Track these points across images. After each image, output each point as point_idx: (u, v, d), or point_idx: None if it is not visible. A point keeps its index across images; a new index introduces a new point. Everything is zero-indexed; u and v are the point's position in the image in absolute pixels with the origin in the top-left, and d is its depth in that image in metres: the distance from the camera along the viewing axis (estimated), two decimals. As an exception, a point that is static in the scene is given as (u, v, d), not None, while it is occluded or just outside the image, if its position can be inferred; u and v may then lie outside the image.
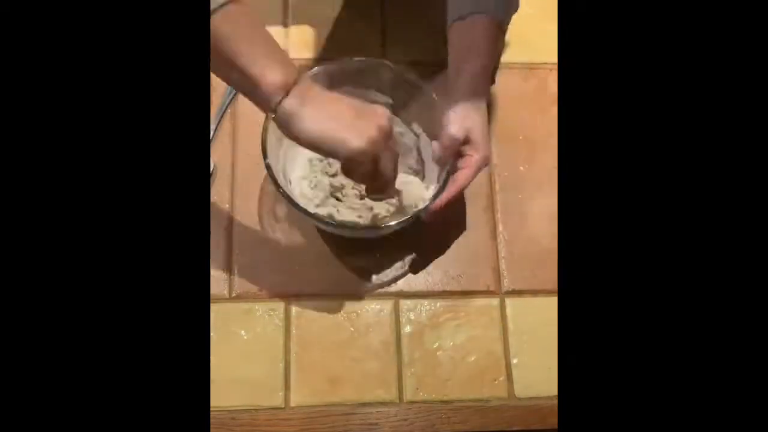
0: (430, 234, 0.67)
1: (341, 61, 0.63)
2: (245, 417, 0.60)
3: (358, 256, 0.66)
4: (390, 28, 0.75)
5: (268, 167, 0.57)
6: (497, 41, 0.62)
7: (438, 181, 0.60)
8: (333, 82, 0.60)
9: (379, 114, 0.50)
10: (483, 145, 0.59)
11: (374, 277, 0.65)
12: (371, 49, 0.74)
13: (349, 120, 0.48)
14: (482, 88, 0.61)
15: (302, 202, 0.60)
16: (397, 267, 0.66)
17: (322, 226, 0.64)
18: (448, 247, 0.67)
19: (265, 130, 0.57)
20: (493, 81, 0.63)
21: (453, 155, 0.59)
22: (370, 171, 0.51)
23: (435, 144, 0.60)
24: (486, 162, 0.59)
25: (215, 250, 0.65)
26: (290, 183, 0.64)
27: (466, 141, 0.58)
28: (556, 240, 0.66)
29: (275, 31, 0.73)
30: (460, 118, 0.58)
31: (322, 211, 0.62)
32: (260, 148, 0.58)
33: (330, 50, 0.74)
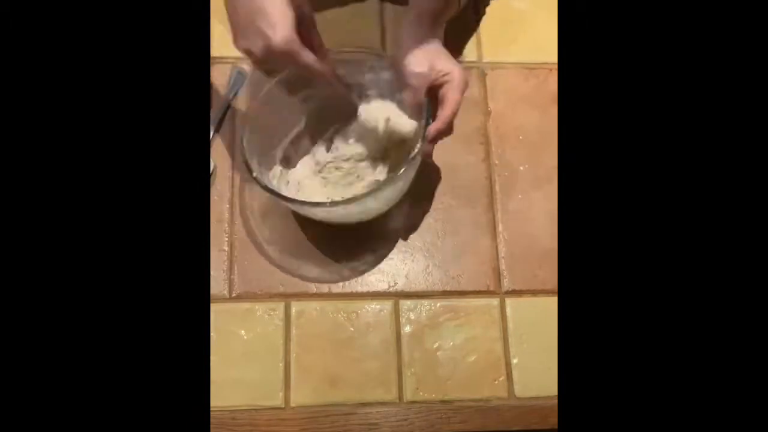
0: (430, 234, 0.67)
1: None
2: (245, 417, 0.60)
3: (358, 255, 0.66)
4: (390, 25, 0.75)
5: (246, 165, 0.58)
6: None
7: (423, 119, 0.58)
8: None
9: (267, 34, 0.51)
10: (454, 67, 0.57)
11: (374, 277, 0.65)
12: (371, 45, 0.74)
13: (242, 23, 0.53)
14: (431, 28, 0.60)
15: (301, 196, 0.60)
16: (397, 267, 0.66)
17: (324, 214, 0.62)
18: (448, 247, 0.67)
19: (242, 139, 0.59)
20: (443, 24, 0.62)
21: (426, 93, 0.58)
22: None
23: (405, 93, 0.59)
24: (465, 80, 0.58)
25: (215, 250, 0.65)
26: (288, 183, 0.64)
27: (435, 74, 0.57)
28: (556, 240, 0.66)
29: None
30: (418, 56, 0.58)
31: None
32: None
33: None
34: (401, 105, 0.61)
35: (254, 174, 0.57)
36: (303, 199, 0.60)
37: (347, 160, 0.64)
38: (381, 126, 0.61)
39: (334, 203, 0.59)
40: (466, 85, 0.58)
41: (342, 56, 0.61)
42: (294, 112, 0.65)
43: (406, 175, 0.58)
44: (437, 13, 0.62)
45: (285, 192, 0.61)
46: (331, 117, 0.65)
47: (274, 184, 0.61)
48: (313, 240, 0.66)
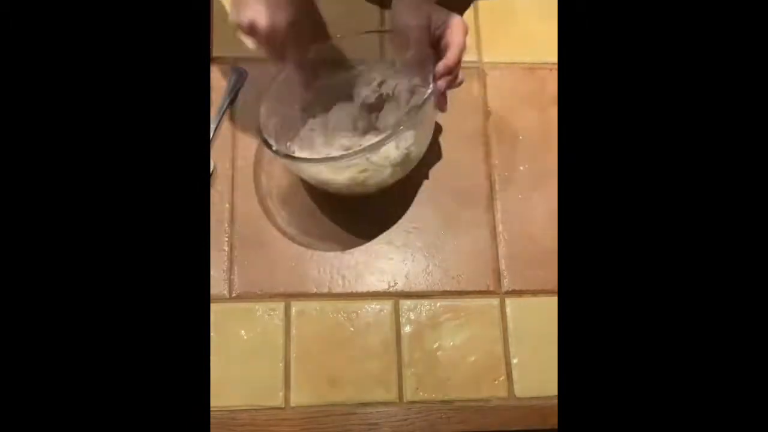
0: (430, 234, 0.67)
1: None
2: (245, 417, 0.60)
3: (358, 254, 0.66)
4: (389, 20, 0.75)
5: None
6: None
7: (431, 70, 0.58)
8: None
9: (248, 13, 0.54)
10: (451, 16, 0.58)
11: (374, 277, 0.65)
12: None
13: None
14: None
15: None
16: (397, 267, 0.66)
17: (346, 174, 0.60)
18: (448, 247, 0.67)
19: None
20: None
21: (427, 46, 0.58)
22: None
23: (408, 51, 0.59)
24: (465, 25, 0.58)
25: (215, 250, 0.65)
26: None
27: (434, 25, 0.57)
28: (556, 240, 0.66)
29: None
30: (414, 12, 0.58)
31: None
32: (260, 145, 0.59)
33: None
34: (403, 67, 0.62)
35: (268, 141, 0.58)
36: (328, 155, 0.61)
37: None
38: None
39: (353, 153, 0.56)
40: (466, 29, 0.58)
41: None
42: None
43: (420, 118, 0.57)
44: None
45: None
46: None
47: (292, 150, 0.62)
48: (313, 239, 0.66)
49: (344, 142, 0.65)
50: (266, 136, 0.59)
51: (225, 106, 0.70)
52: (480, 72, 0.74)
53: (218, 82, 0.71)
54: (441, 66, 0.56)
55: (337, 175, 0.59)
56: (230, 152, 0.69)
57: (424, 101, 0.57)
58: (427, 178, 0.69)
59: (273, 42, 0.57)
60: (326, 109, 0.67)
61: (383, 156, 0.58)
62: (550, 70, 0.75)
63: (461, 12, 0.75)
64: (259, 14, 0.53)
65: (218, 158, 0.68)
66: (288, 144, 0.64)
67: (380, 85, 0.65)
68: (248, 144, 0.68)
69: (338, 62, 0.66)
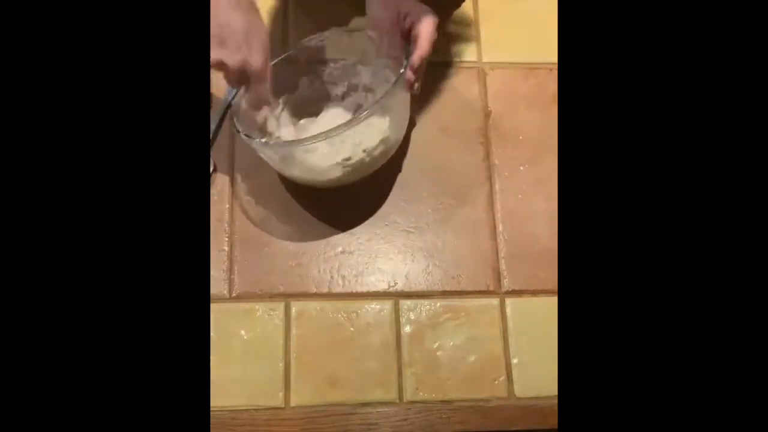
0: (430, 234, 0.67)
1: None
2: (245, 417, 0.60)
3: (358, 254, 0.66)
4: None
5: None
6: None
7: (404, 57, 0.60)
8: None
9: (241, 52, 0.54)
10: (419, 6, 0.59)
11: (374, 277, 0.65)
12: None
13: (222, 30, 0.53)
14: None
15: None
16: (397, 267, 0.66)
17: (323, 161, 0.61)
18: (448, 247, 0.67)
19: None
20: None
21: (398, 37, 0.60)
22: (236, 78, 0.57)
23: (380, 42, 0.62)
24: (433, 15, 0.59)
25: (215, 250, 0.65)
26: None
27: (403, 16, 0.59)
28: (556, 240, 0.66)
29: (274, 15, 0.74)
30: (383, 5, 0.60)
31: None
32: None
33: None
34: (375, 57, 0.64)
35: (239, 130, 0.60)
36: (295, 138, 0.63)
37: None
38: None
39: (324, 133, 0.56)
40: (435, 19, 0.59)
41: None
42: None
43: (390, 102, 0.59)
44: None
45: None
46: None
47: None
48: (313, 239, 0.66)
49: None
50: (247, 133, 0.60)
51: (225, 106, 0.70)
52: (480, 72, 0.74)
53: (219, 82, 0.71)
54: (415, 57, 0.58)
55: (323, 162, 0.61)
56: (230, 152, 0.69)
57: (394, 84, 0.58)
58: (427, 177, 0.69)
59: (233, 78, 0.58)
60: (312, 113, 0.69)
61: (360, 141, 0.60)
62: (550, 70, 0.75)
63: (450, 7, 0.75)
64: (232, 58, 0.55)
65: (218, 158, 0.68)
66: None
67: (354, 78, 0.68)
68: (248, 144, 0.68)
69: (312, 66, 0.69)
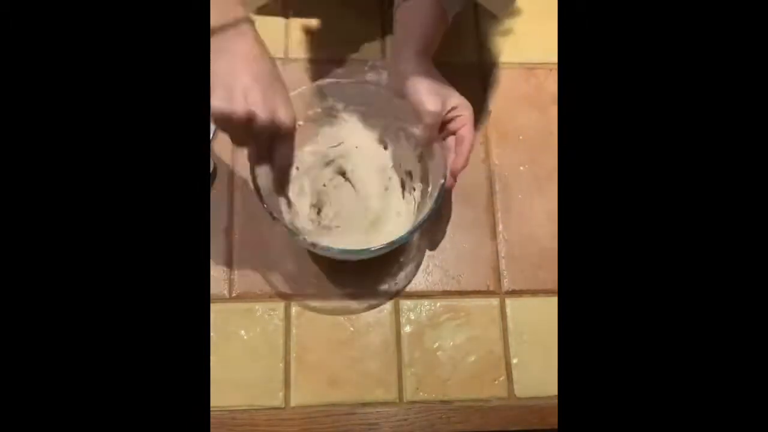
0: (430, 234, 0.67)
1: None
2: (245, 417, 0.60)
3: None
4: (389, 26, 0.75)
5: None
6: (439, 23, 0.63)
7: (431, 158, 0.61)
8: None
9: (259, 105, 0.48)
10: (464, 103, 0.60)
11: (374, 277, 0.65)
12: (370, 48, 0.74)
13: (238, 83, 0.48)
14: (429, 66, 0.62)
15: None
16: (398, 266, 0.66)
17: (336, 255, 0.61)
18: (448, 246, 0.67)
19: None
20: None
21: (438, 130, 0.60)
22: (244, 142, 0.52)
23: (418, 129, 0.61)
24: (473, 115, 0.60)
25: (215, 250, 0.65)
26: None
27: (447, 110, 0.59)
28: (556, 240, 0.66)
29: (275, 29, 0.74)
30: (430, 94, 0.59)
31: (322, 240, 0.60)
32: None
33: (330, 49, 0.74)
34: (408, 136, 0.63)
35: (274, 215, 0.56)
36: (342, 248, 0.59)
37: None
38: None
39: (370, 251, 0.57)
40: (474, 120, 0.60)
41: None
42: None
43: (433, 211, 0.58)
44: (432, 40, 0.62)
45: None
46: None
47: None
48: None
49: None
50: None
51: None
52: (480, 72, 0.74)
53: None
54: (457, 166, 0.59)
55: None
56: (230, 152, 0.69)
57: (436, 200, 0.58)
58: (427, 178, 0.69)
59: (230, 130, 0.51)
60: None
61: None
62: (550, 70, 0.75)
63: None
64: (255, 112, 0.49)
65: (218, 158, 0.68)
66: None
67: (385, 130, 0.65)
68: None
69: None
